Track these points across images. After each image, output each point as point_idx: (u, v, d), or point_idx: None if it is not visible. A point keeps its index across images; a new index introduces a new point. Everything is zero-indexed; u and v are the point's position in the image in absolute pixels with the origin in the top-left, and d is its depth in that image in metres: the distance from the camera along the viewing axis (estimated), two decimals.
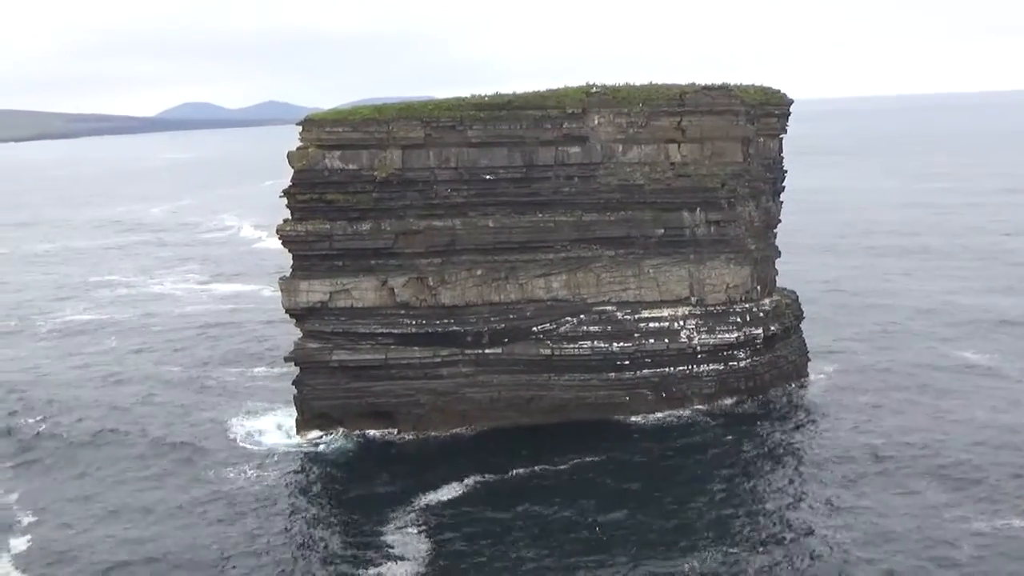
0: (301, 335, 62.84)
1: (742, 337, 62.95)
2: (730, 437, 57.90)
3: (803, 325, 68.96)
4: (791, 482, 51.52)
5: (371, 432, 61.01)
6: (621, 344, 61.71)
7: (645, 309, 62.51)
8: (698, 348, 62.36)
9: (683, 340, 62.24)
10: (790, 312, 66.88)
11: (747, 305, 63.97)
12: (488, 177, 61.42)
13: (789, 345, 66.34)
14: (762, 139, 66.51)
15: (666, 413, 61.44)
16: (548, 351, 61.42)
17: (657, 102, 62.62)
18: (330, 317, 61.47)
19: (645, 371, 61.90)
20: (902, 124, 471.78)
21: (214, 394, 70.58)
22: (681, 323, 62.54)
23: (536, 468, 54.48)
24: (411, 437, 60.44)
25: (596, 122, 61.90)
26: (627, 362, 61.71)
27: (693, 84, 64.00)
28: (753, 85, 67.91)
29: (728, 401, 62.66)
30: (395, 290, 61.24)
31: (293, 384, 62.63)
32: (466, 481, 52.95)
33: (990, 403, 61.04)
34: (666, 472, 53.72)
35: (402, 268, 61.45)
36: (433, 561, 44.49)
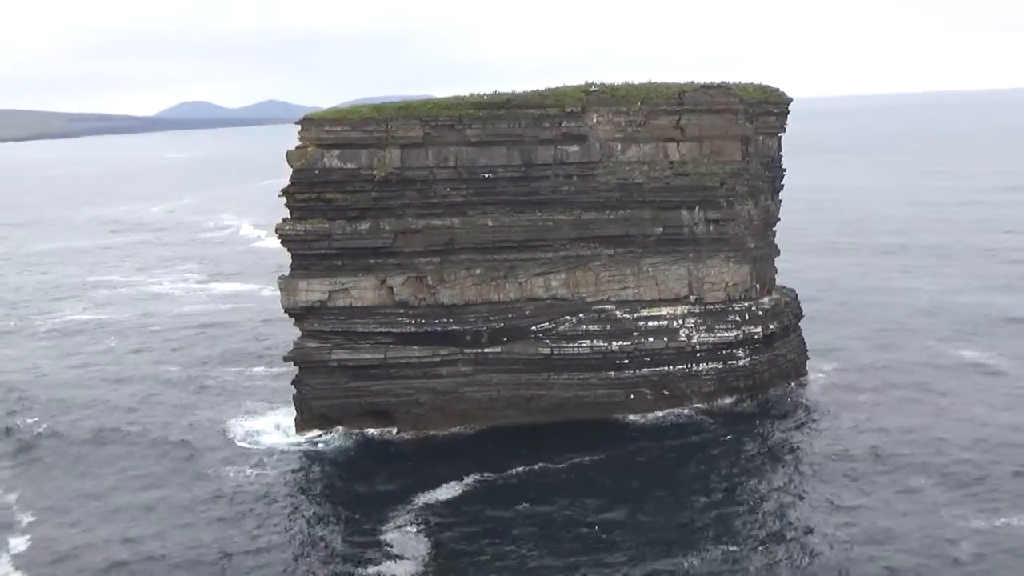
0: (300, 334, 62.82)
1: (741, 336, 62.92)
2: (729, 436, 57.88)
3: (802, 323, 68.93)
4: (791, 480, 51.51)
5: (370, 431, 61.00)
6: (620, 343, 61.69)
7: (644, 308, 62.48)
8: (697, 347, 62.34)
9: (682, 339, 62.22)
10: (789, 310, 66.85)
11: (746, 304, 63.94)
12: (487, 176, 61.39)
13: (788, 344, 66.31)
14: (761, 137, 66.51)
15: (665, 412, 61.41)
16: (547, 350, 61.40)
17: (656, 101, 62.61)
18: (329, 316, 61.45)
19: (644, 370, 61.88)
20: (902, 122, 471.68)
21: (213, 393, 70.58)
22: (680, 322, 62.52)
23: (535, 467, 54.47)
24: (410, 436, 60.41)
25: (595, 121, 61.88)
26: (626, 361, 61.68)
27: (692, 83, 64.01)
28: (752, 83, 67.97)
29: (727, 400, 62.64)
30: (394, 289, 61.22)
31: (292, 383, 62.62)
32: (465, 480, 52.95)
33: (990, 401, 61.02)
34: (665, 471, 53.72)
35: (401, 267, 61.42)
36: (432, 560, 44.49)
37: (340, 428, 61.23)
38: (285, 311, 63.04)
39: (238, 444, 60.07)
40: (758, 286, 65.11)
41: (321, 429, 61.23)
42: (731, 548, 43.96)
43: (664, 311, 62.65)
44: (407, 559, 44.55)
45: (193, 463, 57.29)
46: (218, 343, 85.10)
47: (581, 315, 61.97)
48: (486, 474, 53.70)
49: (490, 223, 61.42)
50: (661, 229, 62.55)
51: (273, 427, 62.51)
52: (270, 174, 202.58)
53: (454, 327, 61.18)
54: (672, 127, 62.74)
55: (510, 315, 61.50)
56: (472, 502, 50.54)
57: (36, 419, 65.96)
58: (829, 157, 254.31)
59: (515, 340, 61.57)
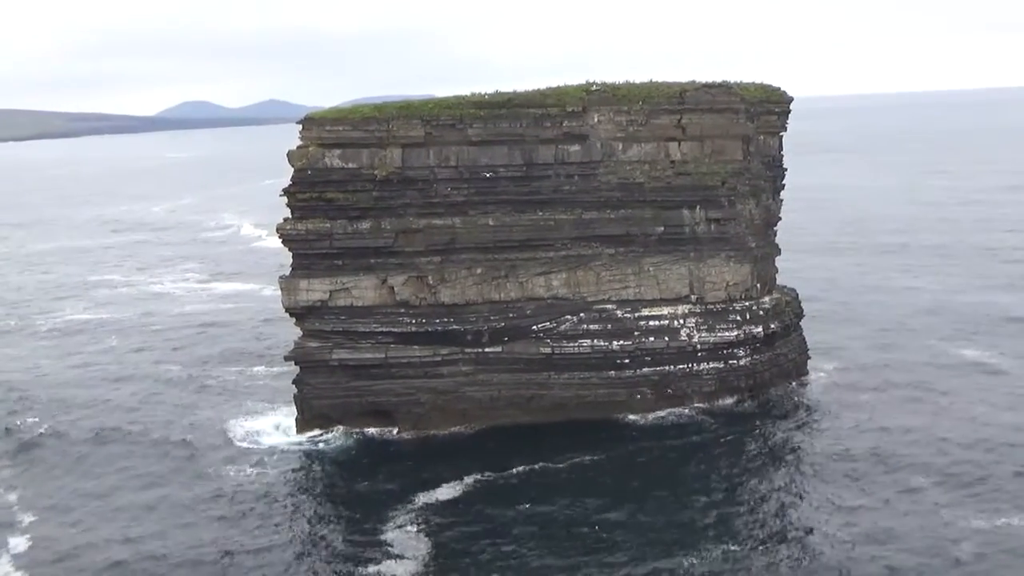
0: (301, 334, 62.82)
1: (742, 335, 62.87)
2: (730, 435, 57.84)
3: (803, 323, 68.89)
4: (792, 480, 51.47)
5: (371, 431, 60.98)
6: (621, 342, 61.66)
7: (645, 307, 62.45)
8: (698, 346, 62.29)
9: (683, 338, 62.18)
10: (790, 310, 66.81)
11: (747, 303, 63.90)
12: (488, 175, 61.37)
13: (789, 343, 66.27)
14: (762, 137, 66.47)
15: (666, 411, 61.35)
16: (548, 349, 61.37)
17: (657, 100, 62.56)
18: (330, 316, 61.44)
19: (645, 369, 61.84)
20: (902, 121, 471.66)
21: (214, 393, 70.58)
22: (681, 321, 62.48)
23: (536, 467, 54.43)
24: (411, 436, 60.39)
25: (596, 120, 61.85)
26: (627, 360, 61.65)
27: (693, 82, 63.97)
28: (753, 83, 67.94)
29: (728, 399, 62.58)
30: (395, 289, 61.21)
31: (293, 383, 62.61)
32: (466, 480, 52.92)
33: (991, 401, 60.96)
34: (666, 470, 53.69)
35: (402, 267, 61.41)
36: (433, 559, 44.47)
37: (341, 428, 61.22)
38: (286, 310, 63.03)
39: (239, 443, 60.07)
40: (759, 286, 65.07)
41: (322, 429, 61.22)
42: (732, 548, 43.93)
43: (665, 311, 62.61)
44: (407, 558, 44.54)
45: (194, 463, 57.29)
46: (219, 343, 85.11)
47: (582, 315, 61.94)
48: (486, 474, 53.68)
49: (491, 222, 61.40)
50: (662, 228, 62.52)
51: (274, 427, 62.51)
52: (271, 174, 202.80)
53: (455, 327, 61.16)
54: (673, 126, 62.70)
55: (511, 315, 61.48)
56: (472, 502, 50.52)
57: (37, 419, 65.97)
58: (829, 156, 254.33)
59: (516, 340, 61.54)
